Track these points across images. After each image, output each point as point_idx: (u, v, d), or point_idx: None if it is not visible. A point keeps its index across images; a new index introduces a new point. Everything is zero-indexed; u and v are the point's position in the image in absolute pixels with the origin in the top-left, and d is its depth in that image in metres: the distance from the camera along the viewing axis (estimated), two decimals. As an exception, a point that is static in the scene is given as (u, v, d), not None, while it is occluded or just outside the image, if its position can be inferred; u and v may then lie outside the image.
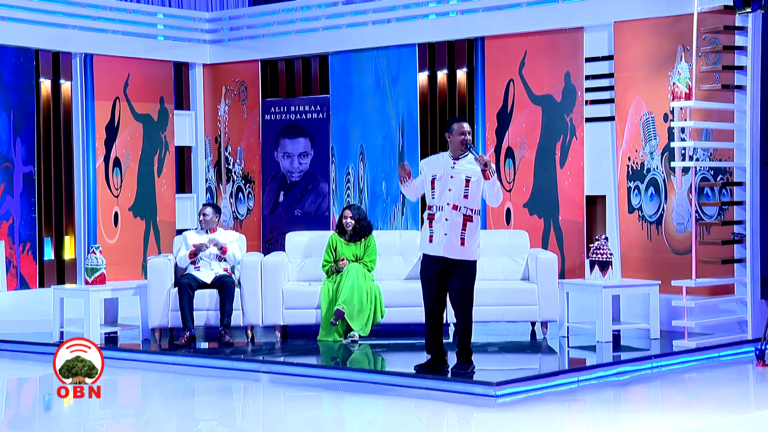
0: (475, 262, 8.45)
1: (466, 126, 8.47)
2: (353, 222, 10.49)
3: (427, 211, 8.46)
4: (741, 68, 9.99)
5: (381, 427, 7.73)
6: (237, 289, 10.34)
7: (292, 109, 13.20)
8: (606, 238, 10.37)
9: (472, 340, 8.52)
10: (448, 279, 8.43)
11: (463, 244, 8.31)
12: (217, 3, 14.15)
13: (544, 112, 11.44)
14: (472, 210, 8.32)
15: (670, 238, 10.57)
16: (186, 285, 10.17)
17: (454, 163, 8.41)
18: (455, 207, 8.31)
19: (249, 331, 10.42)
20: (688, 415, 7.85)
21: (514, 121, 11.64)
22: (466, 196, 8.30)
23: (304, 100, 13.16)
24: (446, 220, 8.31)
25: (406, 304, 10.18)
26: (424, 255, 8.51)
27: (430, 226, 8.38)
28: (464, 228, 8.29)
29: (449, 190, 8.33)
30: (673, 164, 10.21)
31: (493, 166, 8.36)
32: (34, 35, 12.27)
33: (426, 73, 12.33)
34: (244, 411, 8.34)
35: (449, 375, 8.44)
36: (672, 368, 9.30)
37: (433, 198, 8.41)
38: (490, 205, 8.50)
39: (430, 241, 8.38)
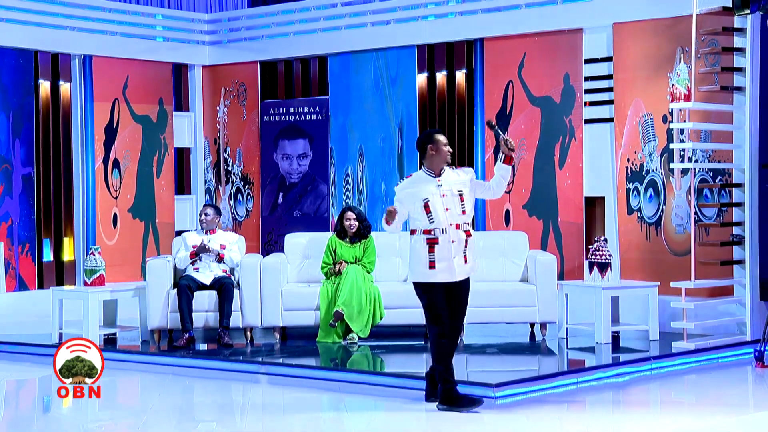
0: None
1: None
2: (357, 223, 10.48)
3: (423, 236, 7.74)
4: (740, 70, 9.99)
5: (380, 428, 7.72)
6: (236, 291, 10.34)
7: (291, 110, 13.20)
8: (605, 240, 10.37)
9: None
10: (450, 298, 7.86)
11: (466, 261, 7.82)
12: (216, 4, 14.16)
13: (543, 113, 11.44)
14: (468, 224, 7.86)
15: (669, 239, 10.57)
16: (185, 286, 10.17)
17: (439, 180, 7.78)
18: (457, 226, 7.79)
19: (248, 333, 10.41)
20: (687, 417, 7.85)
21: (513, 122, 11.64)
22: (463, 212, 7.80)
23: (303, 102, 13.16)
24: (452, 242, 7.71)
25: (406, 305, 10.14)
26: (427, 284, 7.77)
27: (431, 252, 7.72)
28: (467, 245, 7.80)
29: (446, 210, 7.72)
30: (672, 165, 10.21)
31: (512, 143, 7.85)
32: (33, 37, 12.28)
33: (425, 74, 12.33)
34: (243, 412, 8.33)
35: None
36: (671, 370, 9.31)
37: (432, 222, 7.71)
38: (493, 198, 8.05)
39: (431, 267, 7.72)
